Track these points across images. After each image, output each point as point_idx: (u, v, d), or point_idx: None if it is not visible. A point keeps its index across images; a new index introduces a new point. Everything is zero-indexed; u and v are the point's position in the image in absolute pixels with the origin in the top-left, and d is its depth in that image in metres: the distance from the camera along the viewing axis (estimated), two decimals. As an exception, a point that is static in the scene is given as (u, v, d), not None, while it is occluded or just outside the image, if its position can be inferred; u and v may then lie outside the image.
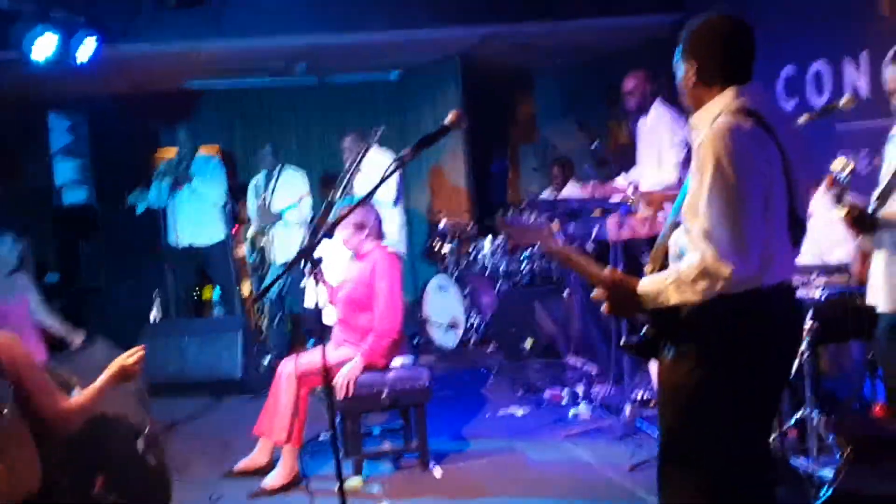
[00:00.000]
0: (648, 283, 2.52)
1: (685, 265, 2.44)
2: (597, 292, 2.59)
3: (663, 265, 2.68)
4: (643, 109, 5.70)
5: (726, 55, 2.59)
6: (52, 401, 3.02)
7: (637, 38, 7.71)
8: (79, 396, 3.16)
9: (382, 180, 3.01)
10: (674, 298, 2.46)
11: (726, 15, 2.63)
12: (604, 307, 2.59)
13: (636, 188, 5.29)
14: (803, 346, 3.98)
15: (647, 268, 2.72)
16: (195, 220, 7.43)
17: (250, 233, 7.71)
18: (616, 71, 6.35)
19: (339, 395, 4.54)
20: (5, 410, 2.55)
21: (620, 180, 5.88)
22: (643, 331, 2.65)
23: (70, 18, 6.21)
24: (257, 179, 7.75)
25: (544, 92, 10.43)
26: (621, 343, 2.77)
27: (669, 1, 7.16)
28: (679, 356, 2.57)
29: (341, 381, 4.54)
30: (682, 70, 2.65)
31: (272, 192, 7.56)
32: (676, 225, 2.65)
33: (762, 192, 2.43)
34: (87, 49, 6.31)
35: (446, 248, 8.23)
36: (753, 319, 2.49)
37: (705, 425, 2.55)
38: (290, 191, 7.54)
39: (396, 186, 7.03)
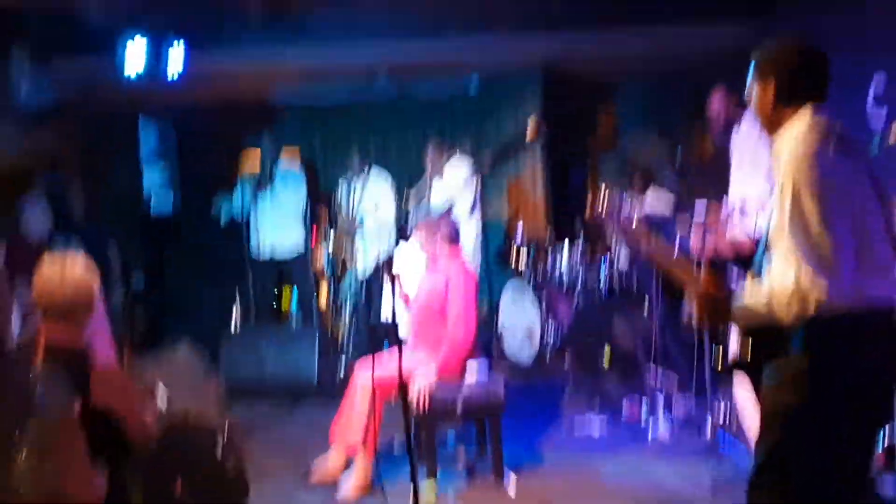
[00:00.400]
0: (749, 298, 2.52)
1: (778, 286, 2.43)
2: (689, 298, 2.61)
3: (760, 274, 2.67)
4: (733, 124, 5.53)
5: (804, 74, 2.64)
6: (142, 423, 3.09)
7: (722, 45, 7.54)
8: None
9: (463, 190, 2.99)
10: (771, 317, 2.44)
11: (798, 38, 2.70)
12: (694, 315, 2.60)
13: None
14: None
15: (749, 276, 2.72)
16: (276, 228, 7.54)
17: (332, 238, 7.76)
18: (700, 79, 6.22)
19: (417, 408, 4.53)
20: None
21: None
22: (745, 348, 2.63)
23: (160, 29, 6.39)
24: (344, 181, 7.77)
25: (625, 100, 10.28)
26: (729, 360, 2.71)
27: (757, 9, 7.02)
28: (781, 376, 2.54)
29: (416, 394, 4.53)
30: (758, 91, 2.70)
31: (359, 199, 7.57)
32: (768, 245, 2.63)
33: (850, 210, 2.41)
34: (176, 62, 6.47)
35: (523, 258, 8.17)
36: (856, 340, 2.44)
37: (808, 450, 2.49)
38: (374, 196, 7.57)
39: (474, 197, 7.01)
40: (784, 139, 2.60)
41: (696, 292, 2.61)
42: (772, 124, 2.67)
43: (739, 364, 2.68)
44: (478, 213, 7.16)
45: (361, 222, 7.49)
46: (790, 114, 2.61)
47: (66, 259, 3.09)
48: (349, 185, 7.67)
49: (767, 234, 2.64)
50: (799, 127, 2.56)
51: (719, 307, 2.58)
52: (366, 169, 7.72)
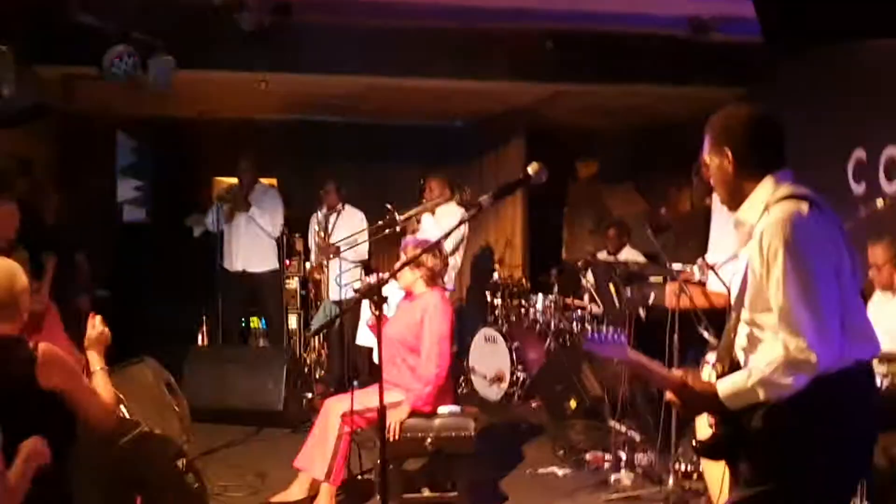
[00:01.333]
0: (729, 386, 2.46)
1: (765, 362, 2.40)
2: (669, 396, 2.57)
3: (732, 361, 2.61)
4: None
5: (760, 143, 2.57)
6: (97, 402, 3.01)
7: (704, 107, 7.66)
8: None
9: (461, 223, 3.00)
10: (763, 396, 2.40)
11: (745, 104, 2.68)
12: (676, 409, 2.58)
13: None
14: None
15: (717, 367, 2.64)
16: (251, 247, 7.52)
17: (308, 266, 7.74)
18: (680, 138, 6.31)
19: (390, 438, 4.48)
20: None
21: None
22: (715, 432, 2.58)
23: (148, 41, 6.35)
24: (318, 215, 7.81)
25: (606, 153, 10.41)
26: (693, 444, 2.69)
27: (736, 75, 7.16)
28: (755, 462, 2.50)
29: (388, 425, 4.48)
30: (717, 162, 2.61)
31: (333, 229, 7.60)
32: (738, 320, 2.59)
33: (834, 272, 2.40)
34: (163, 73, 6.43)
35: (497, 300, 8.19)
36: (835, 404, 2.42)
37: None
38: (350, 229, 7.55)
39: (460, 237, 7.03)
40: (750, 210, 2.54)
41: (674, 390, 2.56)
42: (733, 197, 2.60)
43: (708, 448, 2.64)
44: (460, 252, 7.17)
45: (340, 250, 7.47)
46: (752, 184, 2.54)
47: None
48: (328, 212, 7.67)
49: (736, 317, 2.59)
50: (763, 196, 2.51)
51: (698, 400, 2.53)
52: (341, 203, 7.72)
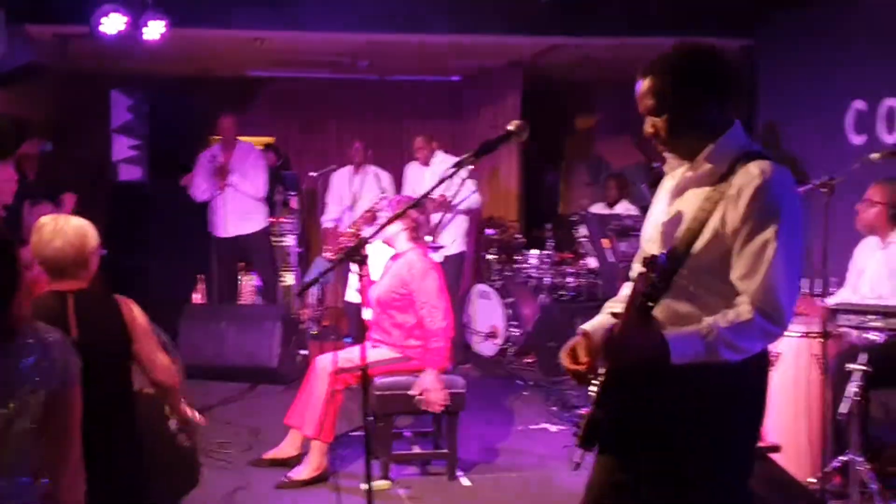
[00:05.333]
0: (681, 338, 2.21)
1: (727, 322, 2.20)
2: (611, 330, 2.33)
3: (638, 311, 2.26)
4: None
5: (735, 86, 2.39)
6: (162, 359, 3.31)
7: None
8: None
9: (440, 181, 2.97)
10: (722, 356, 2.20)
11: (713, 46, 2.39)
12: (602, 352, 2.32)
13: None
14: (854, 389, 3.86)
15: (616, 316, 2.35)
16: (239, 212, 7.36)
17: (327, 224, 7.64)
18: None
19: (434, 409, 4.52)
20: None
21: None
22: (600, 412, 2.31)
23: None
24: (343, 174, 7.64)
25: (604, 107, 10.33)
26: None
27: (739, 25, 7.06)
28: (668, 439, 2.32)
29: (430, 398, 4.49)
30: (682, 99, 2.32)
31: (362, 190, 7.45)
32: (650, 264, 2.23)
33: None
34: (154, 30, 6.38)
35: (492, 256, 8.19)
36: (766, 368, 2.37)
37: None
38: (378, 190, 7.46)
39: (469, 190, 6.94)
40: (717, 156, 2.30)
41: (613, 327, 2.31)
42: (694, 136, 2.34)
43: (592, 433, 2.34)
44: (467, 205, 7.12)
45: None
46: (717, 128, 2.31)
47: (60, 218, 3.17)
48: (354, 172, 7.55)
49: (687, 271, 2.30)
50: (732, 146, 2.29)
51: (634, 340, 2.23)
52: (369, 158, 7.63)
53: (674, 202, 2.40)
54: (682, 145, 2.38)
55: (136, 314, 3.23)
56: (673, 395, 2.27)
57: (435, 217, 6.89)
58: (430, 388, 4.50)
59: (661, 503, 2.35)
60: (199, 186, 7.39)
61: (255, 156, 7.54)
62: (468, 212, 7.23)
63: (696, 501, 2.32)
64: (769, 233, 2.19)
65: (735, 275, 2.25)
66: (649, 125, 2.40)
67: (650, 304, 2.23)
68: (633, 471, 2.39)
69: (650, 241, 2.44)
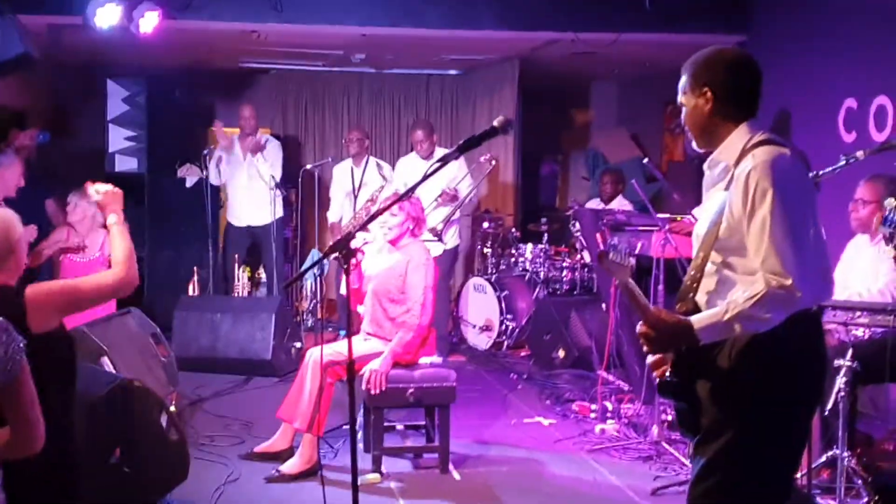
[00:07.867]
0: (705, 319, 2.43)
1: (745, 297, 2.37)
2: (640, 328, 2.51)
3: (694, 303, 2.58)
4: None
5: (742, 86, 2.57)
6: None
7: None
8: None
9: (425, 177, 2.97)
10: (739, 330, 2.39)
11: (736, 48, 2.66)
12: (645, 343, 2.52)
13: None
14: (841, 385, 3.87)
15: (679, 307, 2.60)
16: (254, 202, 7.54)
17: (333, 219, 7.66)
18: (675, 87, 6.24)
19: (372, 390, 4.51)
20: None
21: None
22: (674, 371, 2.56)
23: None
24: (345, 167, 7.58)
25: (600, 101, 10.34)
26: (656, 386, 2.64)
27: (732, 21, 7.08)
28: (719, 395, 2.51)
29: (372, 377, 4.51)
30: (693, 102, 2.60)
31: (362, 183, 7.37)
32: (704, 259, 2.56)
33: (813, 217, 2.46)
34: (149, 21, 6.37)
35: (487, 250, 8.20)
36: (811, 341, 2.50)
37: (748, 464, 2.48)
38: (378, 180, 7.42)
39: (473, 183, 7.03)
40: (726, 153, 2.54)
41: (647, 322, 2.50)
42: (708, 136, 2.60)
43: (667, 385, 2.59)
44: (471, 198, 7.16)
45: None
46: (726, 127, 2.55)
47: None
48: (354, 165, 7.50)
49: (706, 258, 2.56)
50: (740, 140, 2.51)
51: (670, 337, 2.49)
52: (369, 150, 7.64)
53: (704, 203, 2.68)
54: (701, 138, 2.64)
55: (44, 308, 2.83)
56: (723, 364, 2.49)
57: (444, 211, 6.95)
58: (377, 370, 4.50)
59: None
60: (214, 171, 7.63)
61: (274, 144, 7.76)
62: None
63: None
64: (765, 209, 2.37)
65: (750, 254, 2.44)
66: (682, 117, 2.70)
67: (691, 294, 2.56)
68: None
69: (696, 238, 2.66)
